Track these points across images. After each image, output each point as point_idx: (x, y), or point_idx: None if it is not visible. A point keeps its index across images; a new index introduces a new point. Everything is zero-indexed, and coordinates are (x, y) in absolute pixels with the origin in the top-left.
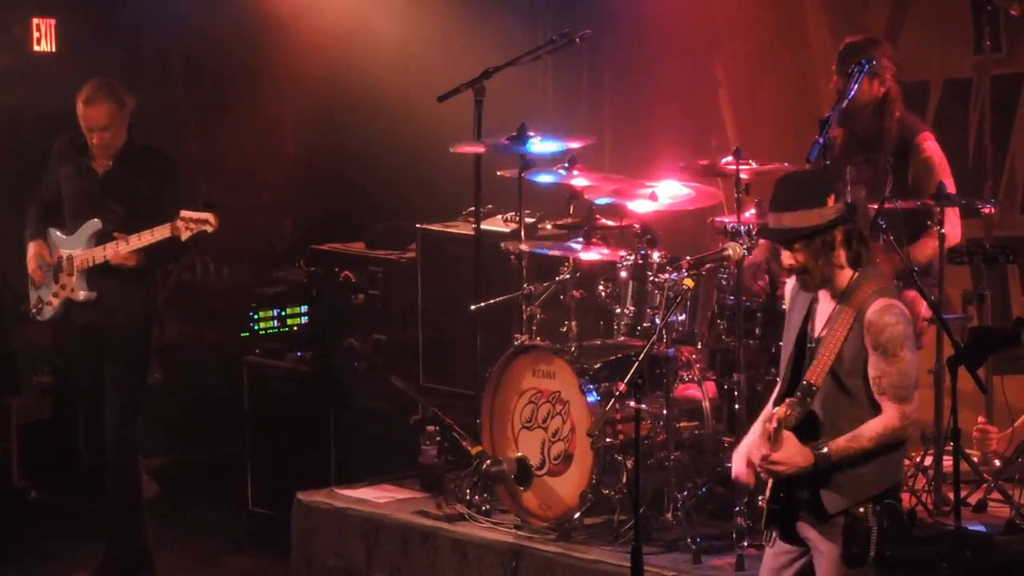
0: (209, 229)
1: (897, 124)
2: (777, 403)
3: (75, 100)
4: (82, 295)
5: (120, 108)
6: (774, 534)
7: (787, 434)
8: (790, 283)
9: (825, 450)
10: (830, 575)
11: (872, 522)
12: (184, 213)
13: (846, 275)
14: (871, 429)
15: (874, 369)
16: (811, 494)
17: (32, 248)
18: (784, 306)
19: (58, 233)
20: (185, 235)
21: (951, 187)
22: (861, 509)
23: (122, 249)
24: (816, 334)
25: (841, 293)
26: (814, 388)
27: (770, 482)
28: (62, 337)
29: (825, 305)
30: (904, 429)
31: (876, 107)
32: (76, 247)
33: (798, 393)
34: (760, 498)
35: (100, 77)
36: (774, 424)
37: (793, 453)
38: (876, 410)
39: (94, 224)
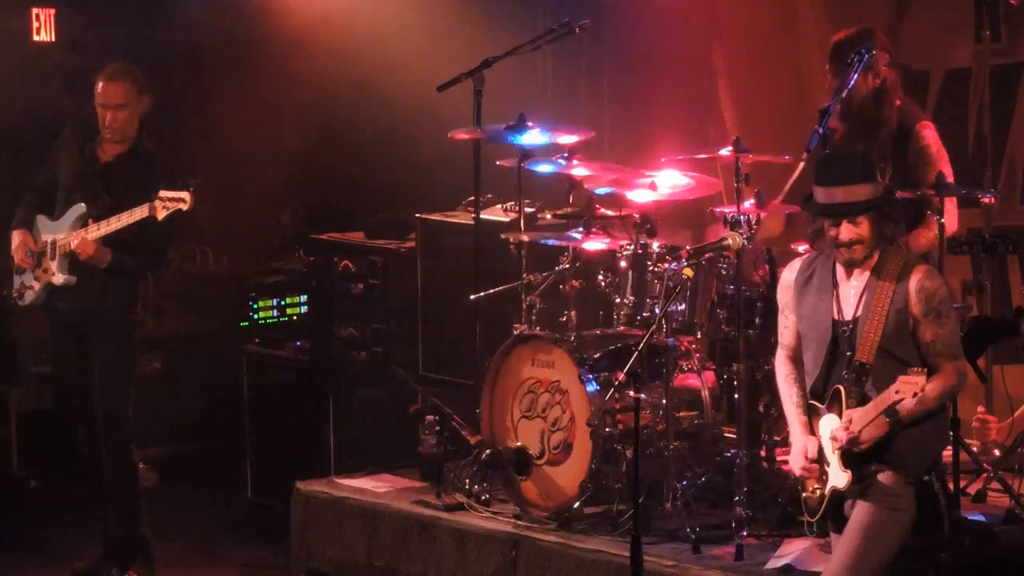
0: (184, 207)
1: (896, 112)
2: (817, 391)
3: (95, 80)
4: (61, 279)
5: (138, 92)
6: (826, 525)
7: (857, 413)
8: (787, 273)
9: (897, 417)
10: (874, 522)
11: (938, 489)
12: (162, 193)
13: (876, 252)
14: (934, 390)
15: (928, 334)
16: (878, 470)
17: (17, 237)
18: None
19: (45, 219)
20: (161, 214)
21: (949, 177)
22: (926, 477)
23: (90, 235)
24: (849, 316)
25: (872, 269)
26: (867, 366)
27: (821, 475)
28: (50, 325)
29: (850, 286)
30: (960, 385)
31: (874, 97)
32: (60, 232)
33: (849, 375)
34: (808, 491)
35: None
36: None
37: (870, 427)
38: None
39: (80, 208)
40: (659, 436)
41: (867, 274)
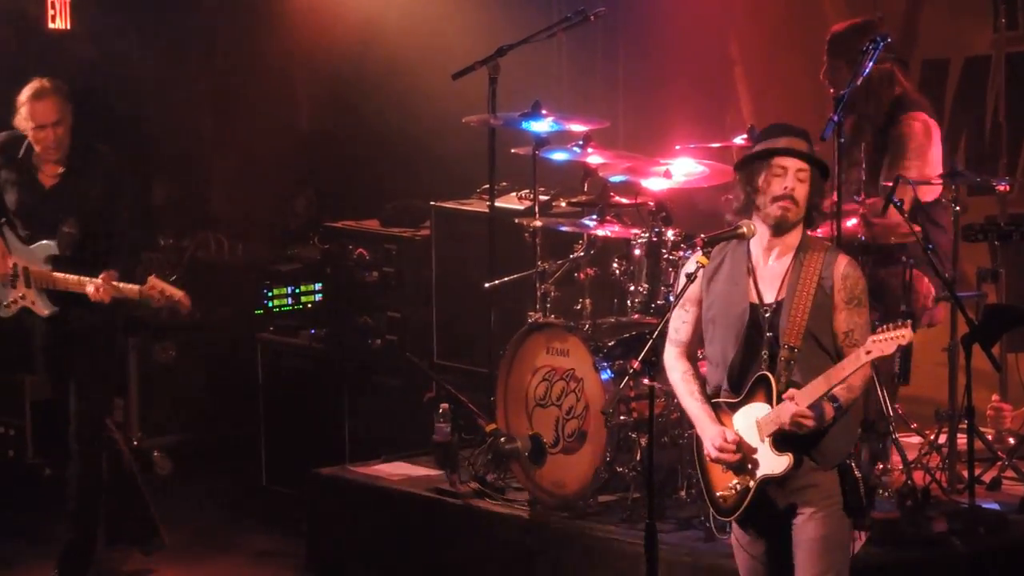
0: (182, 310)
1: (890, 104)
2: (732, 381)
3: (16, 103)
4: (47, 312)
5: (68, 104)
6: (734, 522)
7: (801, 392)
8: (691, 266)
9: (839, 402)
10: (832, 531)
11: (857, 472)
12: (156, 283)
13: (797, 234)
14: (858, 379)
15: (846, 323)
16: (809, 453)
17: None
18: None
19: (12, 237)
20: (157, 304)
21: (921, 168)
22: (848, 462)
23: (104, 293)
24: (770, 299)
25: (794, 253)
26: (796, 350)
27: (742, 468)
28: (34, 335)
29: (770, 269)
30: (872, 379)
31: (862, 89)
32: (32, 263)
33: (778, 359)
34: (722, 488)
35: (40, 76)
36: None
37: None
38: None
39: (50, 247)
40: (673, 424)
41: (788, 257)
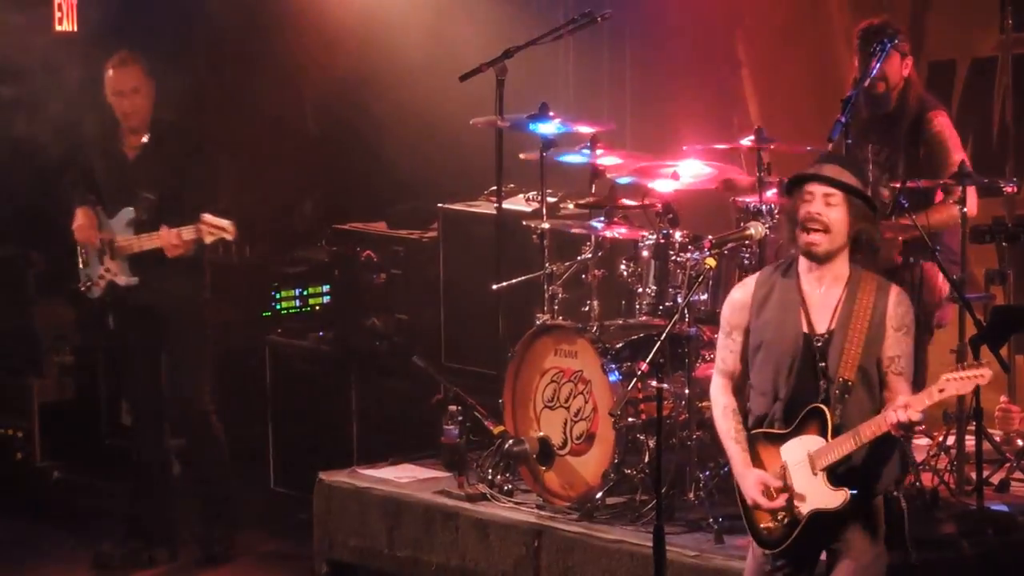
0: (228, 237)
1: (917, 102)
2: (787, 409)
3: (103, 70)
4: (124, 280)
5: (149, 76)
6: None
7: (915, 398)
8: (739, 293)
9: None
10: (868, 563)
11: (903, 503)
12: (206, 218)
13: (844, 265)
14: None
15: (895, 349)
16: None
17: (82, 215)
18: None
19: (101, 212)
20: (209, 239)
21: (967, 163)
22: (894, 493)
23: (179, 238)
24: (823, 329)
25: (847, 284)
26: (850, 383)
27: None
28: (113, 318)
29: (822, 298)
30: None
31: (902, 86)
32: (116, 232)
33: (831, 392)
34: (766, 522)
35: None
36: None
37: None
38: (882, 397)
39: (129, 212)
40: (682, 426)
41: (840, 287)
